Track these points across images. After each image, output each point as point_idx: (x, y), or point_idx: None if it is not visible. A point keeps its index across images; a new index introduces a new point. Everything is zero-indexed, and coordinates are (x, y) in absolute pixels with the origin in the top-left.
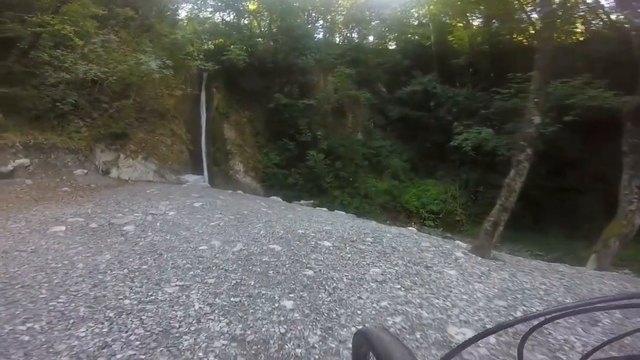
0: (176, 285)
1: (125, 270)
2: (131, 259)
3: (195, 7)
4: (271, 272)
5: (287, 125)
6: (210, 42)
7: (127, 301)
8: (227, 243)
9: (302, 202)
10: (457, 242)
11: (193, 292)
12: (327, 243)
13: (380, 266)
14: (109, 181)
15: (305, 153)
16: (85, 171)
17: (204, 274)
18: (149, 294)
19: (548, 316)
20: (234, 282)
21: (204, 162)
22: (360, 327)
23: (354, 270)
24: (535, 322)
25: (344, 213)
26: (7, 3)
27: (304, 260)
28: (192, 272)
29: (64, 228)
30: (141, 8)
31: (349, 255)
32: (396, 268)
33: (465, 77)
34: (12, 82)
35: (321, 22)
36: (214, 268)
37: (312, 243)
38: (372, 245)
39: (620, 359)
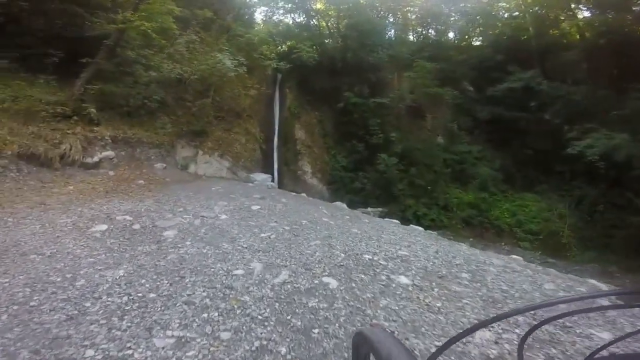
0: (172, 337)
1: (125, 299)
2: (143, 280)
3: (269, 10)
4: (316, 330)
5: (356, 126)
6: (283, 44)
7: (88, 352)
8: (270, 268)
9: (369, 209)
10: (591, 281)
11: (190, 352)
12: (404, 279)
13: (492, 327)
14: (184, 176)
15: (375, 156)
16: (165, 165)
17: (221, 320)
18: (127, 345)
19: (548, 308)
20: (257, 343)
21: (274, 161)
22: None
23: (448, 331)
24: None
25: (421, 229)
26: (99, 4)
27: (369, 311)
28: (205, 315)
29: (105, 227)
30: (219, 10)
31: (439, 304)
32: (517, 330)
33: (578, 74)
34: (105, 79)
35: (391, 19)
36: (238, 312)
37: (383, 278)
38: (471, 286)
39: (628, 357)
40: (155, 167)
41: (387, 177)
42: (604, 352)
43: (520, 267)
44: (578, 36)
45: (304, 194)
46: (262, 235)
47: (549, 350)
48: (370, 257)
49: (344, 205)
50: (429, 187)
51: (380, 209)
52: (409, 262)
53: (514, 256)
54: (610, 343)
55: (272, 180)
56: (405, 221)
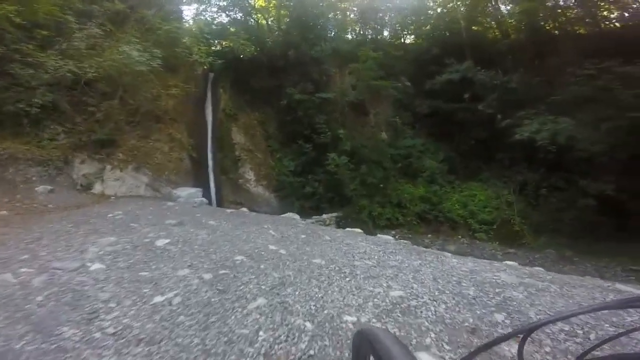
0: None
1: None
2: None
3: (201, 7)
4: None
5: (301, 125)
6: (218, 44)
7: None
8: None
9: (324, 216)
10: (620, 286)
11: None
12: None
13: None
14: (82, 199)
15: (324, 156)
16: (51, 188)
17: None
18: None
19: (552, 319)
20: None
21: (209, 171)
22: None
23: None
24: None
25: (390, 239)
26: None
27: None
28: None
29: None
30: (137, 5)
31: None
32: None
33: (506, 64)
34: None
35: (331, 15)
36: None
37: None
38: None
39: (616, 357)
40: (35, 191)
41: (338, 177)
42: (597, 352)
43: (534, 280)
44: (498, 32)
45: (244, 209)
46: (156, 300)
47: None
48: (355, 319)
49: (296, 217)
50: (381, 185)
51: (335, 214)
52: (416, 314)
53: (508, 262)
54: (602, 343)
55: (204, 195)
56: (362, 225)
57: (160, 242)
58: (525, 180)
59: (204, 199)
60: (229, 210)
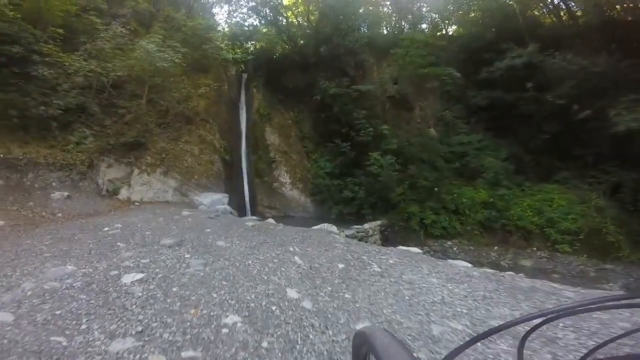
0: None
1: None
2: None
3: (232, 9)
4: None
5: (338, 123)
6: (252, 45)
7: None
8: None
9: (366, 226)
10: None
11: None
12: None
13: None
14: (102, 205)
15: (364, 156)
16: (67, 194)
17: None
18: None
19: (550, 315)
20: None
21: (243, 174)
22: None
23: None
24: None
25: (470, 267)
26: None
27: None
28: None
29: None
30: (164, 6)
31: None
32: None
33: (576, 49)
34: None
35: (362, 9)
36: None
37: None
38: None
39: (621, 359)
40: (50, 198)
41: (382, 180)
42: (599, 354)
43: None
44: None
45: (271, 220)
46: None
47: None
48: None
49: (333, 228)
50: (435, 188)
51: (379, 223)
52: None
53: None
54: (605, 343)
55: (237, 200)
56: (412, 234)
57: (128, 279)
58: (620, 181)
59: (227, 207)
60: (250, 224)
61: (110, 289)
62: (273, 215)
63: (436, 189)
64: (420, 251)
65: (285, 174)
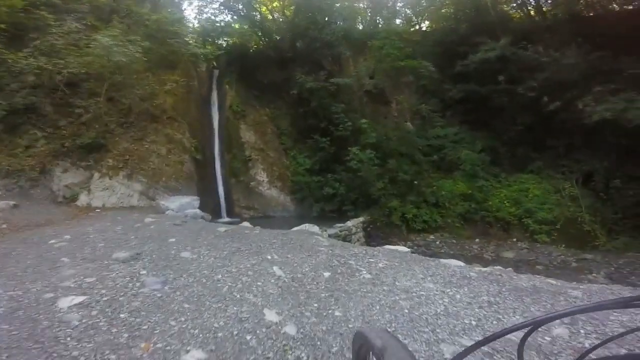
0: None
1: None
2: None
3: (202, 4)
4: None
5: (316, 117)
6: (224, 41)
7: None
8: None
9: (349, 224)
10: None
11: None
12: None
13: None
14: (57, 213)
15: (344, 152)
16: (13, 203)
17: None
18: None
19: (550, 315)
20: None
21: (217, 174)
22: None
23: None
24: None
25: (460, 265)
26: None
27: None
28: None
29: None
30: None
31: None
32: None
33: (545, 43)
34: None
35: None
36: None
37: None
38: None
39: (620, 358)
40: None
41: (362, 175)
42: (597, 353)
43: None
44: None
45: (246, 223)
46: None
47: None
48: None
49: (315, 229)
50: (414, 182)
51: (362, 220)
52: None
53: None
54: (604, 342)
55: (212, 203)
56: (394, 229)
57: (65, 303)
58: (591, 170)
59: (198, 211)
60: (222, 229)
61: (41, 316)
62: (251, 215)
63: (416, 182)
64: (408, 250)
65: (262, 172)
